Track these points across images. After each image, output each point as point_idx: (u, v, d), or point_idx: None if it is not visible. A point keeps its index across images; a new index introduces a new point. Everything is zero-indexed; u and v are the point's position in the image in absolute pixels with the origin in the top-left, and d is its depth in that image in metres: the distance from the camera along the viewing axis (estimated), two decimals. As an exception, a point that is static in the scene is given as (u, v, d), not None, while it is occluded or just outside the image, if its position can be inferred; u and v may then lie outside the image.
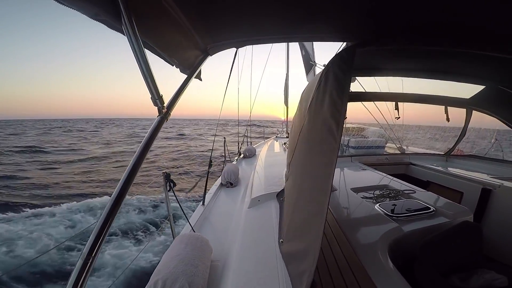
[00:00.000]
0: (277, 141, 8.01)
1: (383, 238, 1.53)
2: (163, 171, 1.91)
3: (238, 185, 3.49)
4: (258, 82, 8.09)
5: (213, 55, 1.56)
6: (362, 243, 1.52)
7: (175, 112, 1.25)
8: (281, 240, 1.54)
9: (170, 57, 1.31)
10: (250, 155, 5.84)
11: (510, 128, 2.68)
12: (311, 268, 0.92)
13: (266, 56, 8.49)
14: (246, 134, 7.26)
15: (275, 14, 1.15)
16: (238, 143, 6.32)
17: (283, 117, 11.70)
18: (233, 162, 4.91)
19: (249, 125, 7.63)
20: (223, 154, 4.66)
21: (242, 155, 5.82)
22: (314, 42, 7.33)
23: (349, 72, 1.08)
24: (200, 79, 1.59)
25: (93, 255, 0.83)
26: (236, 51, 1.66)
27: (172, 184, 1.89)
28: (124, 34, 0.90)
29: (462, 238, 1.63)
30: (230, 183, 3.43)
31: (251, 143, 7.62)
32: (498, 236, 2.24)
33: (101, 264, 4.76)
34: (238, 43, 1.49)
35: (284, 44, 10.71)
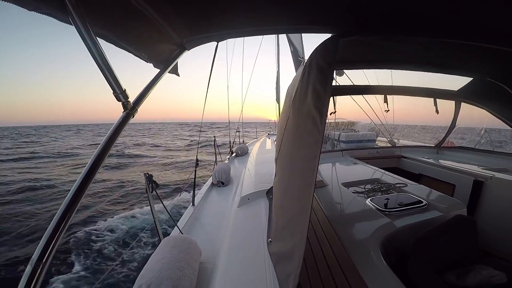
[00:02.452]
0: (269, 138, 7.98)
1: (375, 235, 1.50)
2: (145, 172, 1.84)
3: (230, 184, 3.44)
4: (248, 78, 8.04)
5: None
6: (353, 240, 1.49)
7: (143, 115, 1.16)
8: (270, 240, 1.49)
9: (137, 51, 1.23)
10: (243, 153, 5.78)
11: (498, 119, 2.69)
12: (296, 270, 0.87)
13: (256, 51, 8.43)
14: (238, 131, 7.20)
15: (256, 5, 1.09)
16: (230, 142, 6.26)
17: (273, 118, 11.66)
18: (225, 161, 4.85)
19: (240, 123, 7.56)
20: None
21: (234, 154, 5.77)
22: (303, 38, 7.32)
23: (332, 62, 1.04)
24: (177, 75, 1.51)
25: (43, 260, 0.74)
26: (217, 45, 1.59)
27: (154, 185, 1.82)
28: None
29: (456, 233, 1.60)
30: (222, 183, 3.37)
31: (243, 141, 7.58)
32: (492, 229, 2.23)
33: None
34: (218, 36, 1.41)
35: (274, 40, 10.66)
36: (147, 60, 1.31)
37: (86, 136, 48.51)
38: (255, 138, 9.50)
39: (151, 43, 1.24)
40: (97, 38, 0.88)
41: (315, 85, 1.02)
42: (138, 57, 1.26)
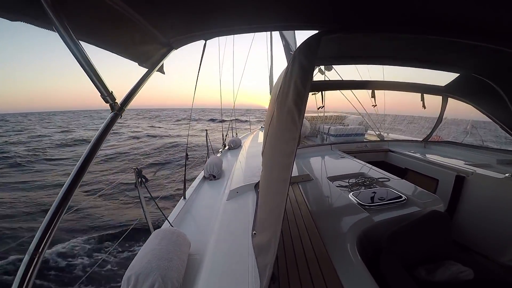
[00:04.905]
0: (262, 131, 7.98)
1: (353, 229, 1.53)
2: (134, 167, 1.87)
3: (222, 177, 3.46)
4: (240, 73, 7.95)
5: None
6: (331, 234, 1.52)
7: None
8: (254, 232, 1.54)
9: (121, 53, 1.25)
10: (235, 146, 5.77)
11: (483, 115, 2.73)
12: (271, 261, 0.92)
13: (248, 45, 8.34)
14: (230, 125, 7.17)
15: (242, 4, 1.12)
16: (223, 135, 6.24)
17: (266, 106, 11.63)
18: (218, 154, 4.85)
19: (232, 119, 7.53)
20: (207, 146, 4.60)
21: (227, 147, 5.77)
22: (296, 33, 7.25)
23: (313, 60, 1.06)
24: (163, 72, 1.53)
25: (40, 250, 0.80)
26: (205, 43, 1.60)
27: (144, 180, 1.85)
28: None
29: (431, 228, 1.63)
30: (213, 176, 3.39)
31: (236, 134, 7.56)
32: (470, 224, 2.28)
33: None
34: (206, 35, 1.43)
35: (267, 34, 10.55)
36: (132, 59, 1.33)
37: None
38: (248, 128, 9.49)
39: (134, 44, 1.26)
40: (81, 42, 0.91)
41: (296, 83, 1.05)
42: (124, 57, 1.29)
